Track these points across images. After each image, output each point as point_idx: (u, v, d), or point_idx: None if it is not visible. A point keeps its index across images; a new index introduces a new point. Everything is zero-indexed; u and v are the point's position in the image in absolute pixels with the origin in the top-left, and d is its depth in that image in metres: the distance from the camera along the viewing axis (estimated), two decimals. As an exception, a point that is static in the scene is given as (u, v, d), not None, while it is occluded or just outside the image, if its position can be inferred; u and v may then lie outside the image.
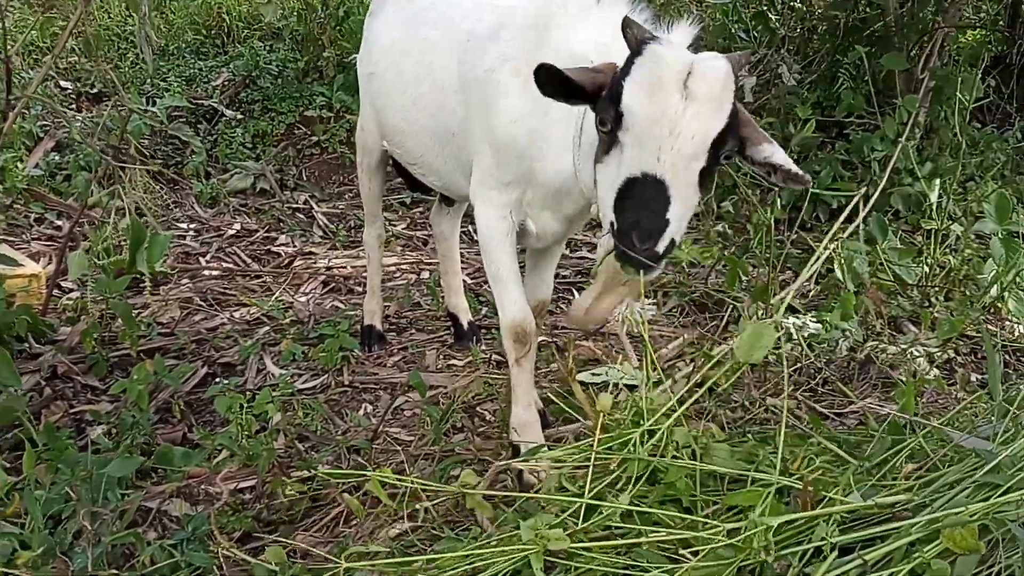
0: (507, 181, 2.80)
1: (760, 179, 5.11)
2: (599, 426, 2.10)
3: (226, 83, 6.46)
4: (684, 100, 2.10)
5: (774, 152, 2.29)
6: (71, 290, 4.20)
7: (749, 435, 2.24)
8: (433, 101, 3.05)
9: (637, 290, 2.36)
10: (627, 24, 2.23)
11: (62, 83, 6.29)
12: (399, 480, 2.18)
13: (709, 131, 2.14)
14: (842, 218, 2.80)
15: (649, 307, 2.51)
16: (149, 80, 6.28)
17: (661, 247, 2.13)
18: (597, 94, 2.26)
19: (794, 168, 2.28)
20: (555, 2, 2.71)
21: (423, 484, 2.16)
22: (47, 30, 4.83)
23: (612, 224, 2.23)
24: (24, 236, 4.84)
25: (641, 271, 2.17)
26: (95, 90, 6.32)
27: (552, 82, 2.23)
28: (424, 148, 3.21)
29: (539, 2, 2.78)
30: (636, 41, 2.20)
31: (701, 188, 2.21)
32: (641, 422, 2.05)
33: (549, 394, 3.35)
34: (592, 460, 2.03)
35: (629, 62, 2.19)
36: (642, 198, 2.13)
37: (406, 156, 3.37)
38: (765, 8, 6.39)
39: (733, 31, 6.45)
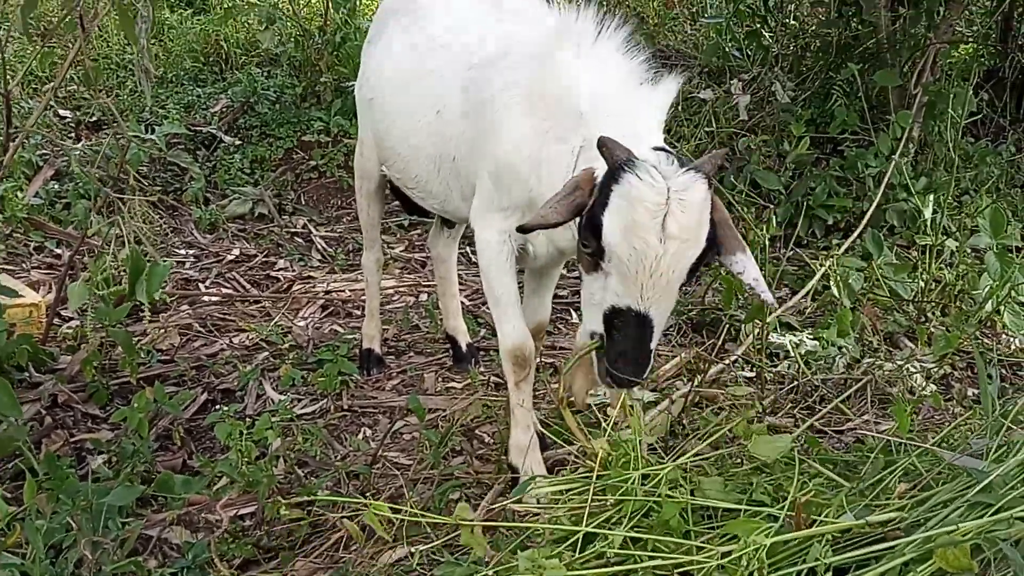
0: (507, 206, 2.83)
1: (754, 197, 5.16)
2: (597, 462, 2.12)
3: (224, 109, 6.50)
4: (662, 243, 2.19)
5: (746, 267, 2.38)
6: (70, 319, 4.22)
7: (743, 460, 2.25)
8: (436, 127, 3.08)
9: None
10: (603, 143, 2.27)
11: (61, 112, 6.33)
12: (395, 509, 2.18)
13: (688, 263, 2.26)
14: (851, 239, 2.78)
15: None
16: (147, 108, 6.32)
17: (643, 372, 2.33)
18: (580, 213, 2.37)
19: (763, 291, 2.39)
20: (559, 38, 2.73)
21: (420, 516, 2.17)
22: (46, 61, 4.87)
23: (596, 337, 2.40)
24: (23, 265, 4.86)
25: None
26: (94, 118, 6.36)
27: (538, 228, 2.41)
28: (425, 172, 3.24)
29: (544, 33, 2.82)
30: (613, 166, 2.25)
31: (682, 288, 2.39)
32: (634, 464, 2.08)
33: (547, 417, 3.37)
34: (590, 497, 2.05)
35: (607, 187, 2.25)
36: (628, 331, 2.29)
37: (406, 180, 3.40)
38: (758, 26, 6.45)
39: (727, 49, 6.51)
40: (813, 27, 6.38)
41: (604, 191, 2.26)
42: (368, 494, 3.03)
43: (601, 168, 2.33)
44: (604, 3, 6.45)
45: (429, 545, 2.47)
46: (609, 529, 1.98)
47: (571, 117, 2.62)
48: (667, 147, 2.39)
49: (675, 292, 2.30)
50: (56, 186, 5.52)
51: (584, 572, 1.88)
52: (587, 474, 2.20)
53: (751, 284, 2.38)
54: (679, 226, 2.18)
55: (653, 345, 2.32)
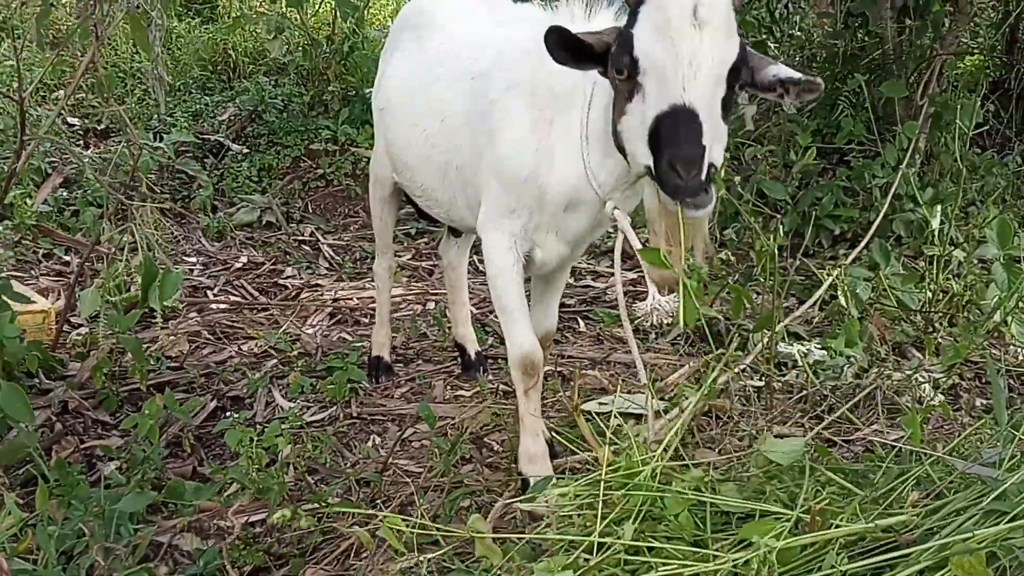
0: (514, 208, 2.85)
1: (761, 207, 5.17)
2: (605, 465, 2.13)
3: (232, 118, 6.53)
4: (698, 31, 2.15)
5: (779, 69, 2.36)
6: (80, 325, 4.23)
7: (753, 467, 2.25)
8: (441, 136, 3.12)
9: (702, 229, 2.40)
10: None
11: (69, 119, 6.36)
12: (407, 521, 2.19)
13: (725, 57, 2.21)
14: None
15: (675, 300, 2.51)
16: (156, 116, 6.35)
17: (703, 174, 2.16)
18: (606, 53, 2.34)
19: (802, 76, 2.34)
20: (553, 23, 2.77)
21: (435, 530, 2.18)
22: (55, 68, 4.90)
23: (649, 168, 2.26)
24: (32, 272, 4.89)
25: (694, 201, 2.18)
26: (102, 126, 6.40)
27: (562, 46, 2.33)
28: (430, 181, 3.27)
29: (539, 29, 2.83)
30: None
31: (724, 119, 2.28)
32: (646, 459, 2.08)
33: (556, 425, 3.37)
34: (600, 497, 2.05)
35: (634, 13, 2.26)
36: (676, 130, 2.16)
37: (413, 188, 3.44)
38: (764, 37, 6.46)
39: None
40: (819, 38, 6.40)
41: (631, 16, 2.26)
42: (379, 502, 3.04)
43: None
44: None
45: (439, 552, 2.48)
46: (619, 529, 1.98)
47: (578, 79, 2.63)
48: None
49: (718, 97, 2.22)
50: (64, 193, 5.54)
51: (597, 580, 1.88)
52: (597, 475, 2.20)
53: (789, 76, 2.35)
54: (709, 10, 2.16)
55: (706, 144, 2.15)
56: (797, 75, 2.35)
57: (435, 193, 3.28)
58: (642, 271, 5.12)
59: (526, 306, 2.99)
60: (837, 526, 1.81)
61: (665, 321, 2.53)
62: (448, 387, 3.92)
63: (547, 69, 2.70)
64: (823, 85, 2.38)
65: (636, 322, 2.90)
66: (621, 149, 2.44)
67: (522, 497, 2.71)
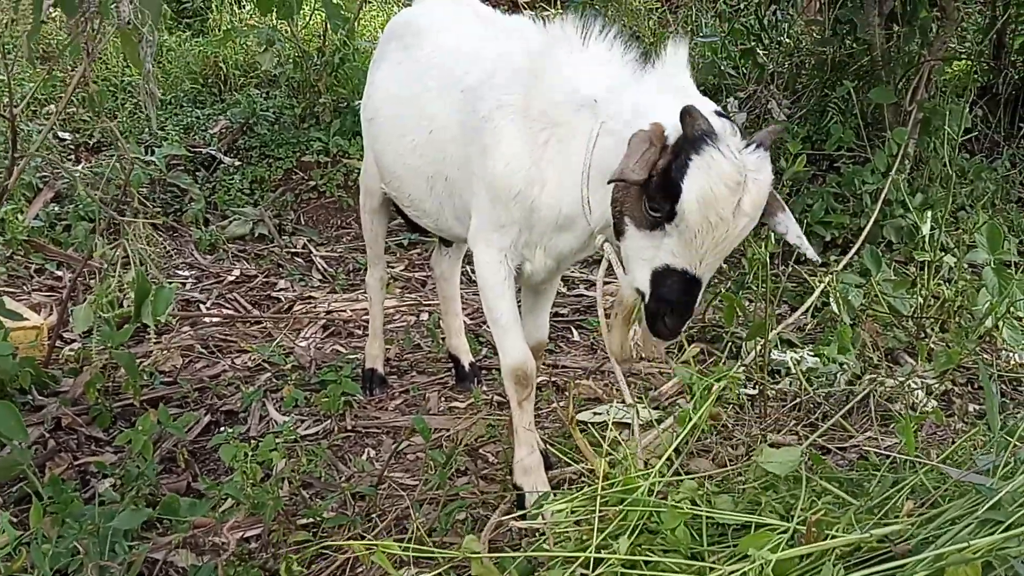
0: (504, 223, 2.86)
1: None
2: (601, 478, 2.13)
3: (224, 131, 6.52)
4: (734, 216, 2.25)
5: (788, 227, 2.49)
6: (73, 341, 4.22)
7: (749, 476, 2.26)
8: (429, 147, 3.13)
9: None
10: (688, 112, 2.26)
11: (61, 134, 6.35)
12: (401, 542, 2.19)
13: (747, 232, 2.33)
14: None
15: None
16: (147, 130, 6.35)
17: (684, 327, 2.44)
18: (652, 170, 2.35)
19: (806, 248, 2.53)
20: (549, 46, 2.80)
21: (428, 552, 2.18)
22: (48, 84, 4.90)
23: (641, 294, 2.45)
24: (24, 287, 4.87)
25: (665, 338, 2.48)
26: (93, 140, 6.39)
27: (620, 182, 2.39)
28: (418, 192, 3.28)
29: (532, 47, 2.86)
30: (694, 135, 2.26)
31: None
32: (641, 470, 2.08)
33: (551, 436, 3.38)
34: (596, 513, 2.06)
35: (686, 156, 2.25)
36: (678, 290, 2.36)
37: (401, 199, 3.44)
38: (754, 45, 6.50)
39: (723, 68, 6.56)
40: (808, 45, 6.44)
41: (682, 155, 2.26)
42: (374, 516, 3.03)
43: (669, 126, 2.33)
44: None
45: (436, 572, 2.48)
46: (615, 543, 1.98)
47: (580, 110, 2.66)
48: (722, 110, 2.41)
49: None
50: (56, 208, 5.53)
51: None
52: (593, 489, 2.21)
53: (795, 242, 2.50)
54: (752, 204, 2.26)
55: (698, 304, 2.42)
56: (804, 244, 2.52)
57: (423, 204, 3.29)
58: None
59: (518, 317, 3.00)
60: (833, 537, 1.81)
61: (651, 357, 2.71)
62: (442, 399, 3.92)
63: (540, 91, 2.74)
64: (818, 262, 2.54)
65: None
66: (618, 231, 2.51)
67: (517, 514, 2.72)
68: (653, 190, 2.32)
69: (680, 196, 2.25)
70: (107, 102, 6.66)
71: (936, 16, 5.72)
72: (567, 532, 2.21)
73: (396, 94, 3.34)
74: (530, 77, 2.78)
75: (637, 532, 2.05)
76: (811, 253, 2.54)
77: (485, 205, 2.90)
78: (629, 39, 2.78)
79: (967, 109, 5.45)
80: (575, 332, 4.59)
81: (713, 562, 1.89)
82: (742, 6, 7.50)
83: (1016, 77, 6.78)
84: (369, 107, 3.55)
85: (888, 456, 2.34)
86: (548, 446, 3.21)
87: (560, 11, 8.03)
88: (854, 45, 5.90)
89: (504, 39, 3.05)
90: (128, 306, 3.49)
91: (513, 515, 2.86)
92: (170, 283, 4.14)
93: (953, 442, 2.90)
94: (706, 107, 2.38)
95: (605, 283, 3.17)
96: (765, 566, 1.75)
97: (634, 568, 1.97)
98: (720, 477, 2.36)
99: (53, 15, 6.37)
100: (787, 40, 6.62)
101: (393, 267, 5.39)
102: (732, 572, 1.78)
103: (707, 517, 2.02)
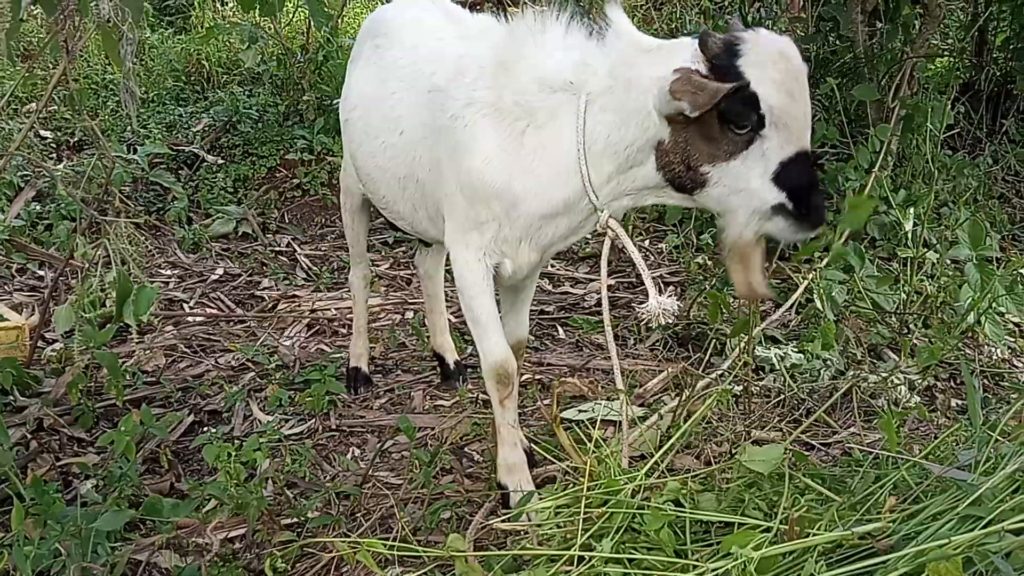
0: (483, 220, 2.84)
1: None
2: (587, 477, 2.13)
3: (207, 129, 6.49)
4: (799, 81, 2.32)
5: None
6: (55, 341, 4.19)
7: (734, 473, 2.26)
8: (399, 148, 3.11)
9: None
10: (703, 37, 2.35)
11: (42, 132, 6.31)
12: (385, 541, 2.19)
13: None
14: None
15: (675, 301, 2.62)
16: (129, 128, 6.31)
17: None
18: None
19: None
20: (514, 39, 2.79)
21: (413, 550, 2.17)
22: (27, 82, 4.85)
23: (782, 206, 2.40)
24: (6, 287, 4.84)
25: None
26: (75, 139, 6.34)
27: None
28: (391, 193, 3.26)
29: (497, 42, 2.86)
30: (724, 46, 2.33)
31: None
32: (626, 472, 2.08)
33: (535, 434, 3.37)
34: (581, 513, 2.06)
35: (731, 67, 2.31)
36: (807, 172, 2.38)
37: (376, 200, 3.44)
38: (737, 42, 6.50)
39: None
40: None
41: (729, 69, 2.31)
42: (359, 515, 3.03)
43: (664, 73, 2.38)
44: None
45: (421, 571, 2.48)
46: (599, 543, 1.98)
47: (555, 93, 2.66)
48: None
49: None
50: (38, 207, 5.49)
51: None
52: (578, 490, 2.22)
53: None
54: (800, 61, 2.32)
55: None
56: None
57: (396, 205, 3.28)
58: (622, 277, 5.14)
59: (497, 315, 2.99)
60: (815, 534, 1.82)
61: (669, 321, 2.64)
62: (428, 397, 3.92)
63: (509, 82, 2.73)
64: None
65: (644, 323, 2.96)
66: (692, 182, 2.50)
67: (501, 518, 2.71)
68: (730, 113, 2.34)
69: (758, 99, 2.29)
70: (89, 100, 6.62)
71: (918, 13, 5.75)
72: (551, 532, 2.21)
73: (368, 94, 3.32)
74: (498, 70, 2.77)
75: (621, 531, 2.05)
76: None
77: (460, 205, 2.87)
78: (581, 16, 2.79)
79: (949, 106, 5.48)
80: (560, 330, 4.59)
81: (696, 560, 1.89)
82: (726, 3, 7.51)
83: (998, 74, 6.82)
84: (345, 107, 3.54)
85: (871, 452, 2.34)
86: (533, 444, 3.21)
87: (541, 8, 8.03)
88: (837, 42, 5.93)
89: (470, 38, 3.04)
90: (110, 306, 3.46)
91: (497, 515, 2.85)
92: (152, 283, 4.13)
93: (936, 437, 2.91)
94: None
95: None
96: (748, 563, 1.75)
97: (618, 564, 1.97)
98: (704, 475, 2.36)
99: (34, 13, 6.31)
100: (771, 37, 6.63)
101: (378, 265, 5.38)
102: (715, 569, 1.78)
103: (691, 516, 2.02)
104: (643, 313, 2.59)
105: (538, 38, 2.75)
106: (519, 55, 2.75)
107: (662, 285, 4.97)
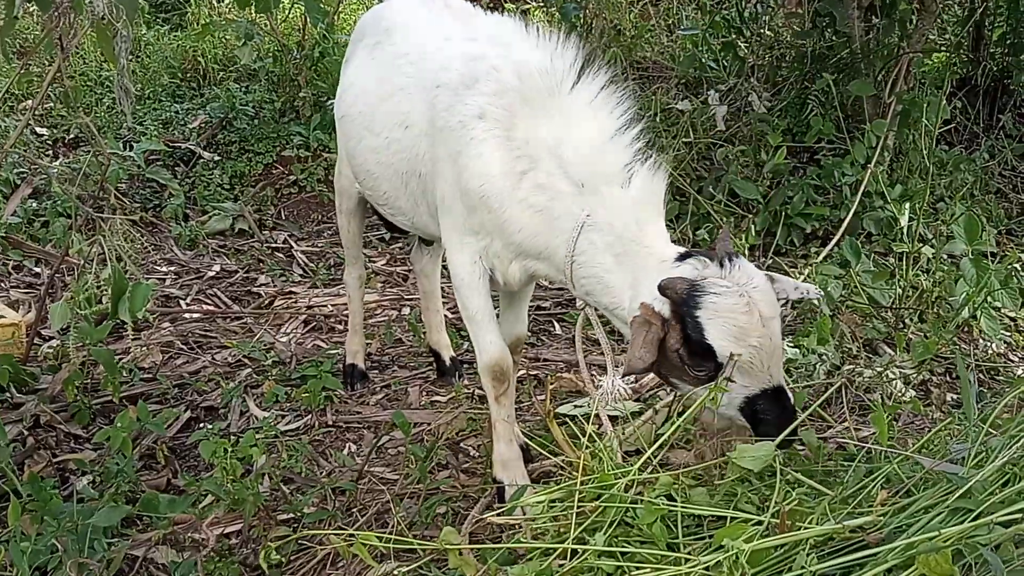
0: (478, 230, 2.84)
1: (733, 207, 5.20)
2: (580, 472, 2.14)
3: (203, 125, 6.48)
4: (766, 327, 2.34)
5: (786, 289, 2.60)
6: (51, 338, 4.19)
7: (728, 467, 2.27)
8: (403, 143, 3.08)
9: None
10: (665, 286, 2.37)
11: (38, 129, 6.30)
12: (381, 536, 2.20)
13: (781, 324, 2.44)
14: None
15: (629, 384, 2.70)
16: (125, 125, 6.30)
17: None
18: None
19: (809, 293, 2.68)
20: (542, 75, 2.69)
21: (407, 543, 2.18)
22: (22, 79, 4.85)
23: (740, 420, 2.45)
24: (3, 284, 4.84)
25: None
26: (71, 136, 6.34)
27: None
28: (392, 188, 3.25)
29: (520, 66, 2.73)
30: (681, 297, 2.36)
31: None
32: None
33: (531, 429, 3.38)
34: (575, 507, 2.07)
35: (691, 317, 2.34)
36: (776, 407, 2.40)
37: (376, 197, 3.41)
38: (734, 38, 6.51)
39: (703, 61, 6.56)
40: (788, 38, 6.45)
41: (687, 319, 2.35)
42: (355, 510, 3.03)
43: (655, 299, 2.42)
44: (582, 16, 6.49)
45: (416, 564, 2.49)
46: (593, 537, 1.99)
47: (563, 178, 2.63)
48: (688, 250, 2.53)
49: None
50: (34, 204, 5.49)
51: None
52: (571, 484, 2.22)
53: (797, 297, 2.63)
54: (769, 306, 2.37)
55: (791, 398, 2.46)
56: (803, 289, 2.64)
57: (398, 201, 3.26)
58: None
59: (493, 313, 2.98)
60: (806, 528, 1.82)
61: (623, 402, 2.71)
62: (424, 393, 3.92)
63: (526, 124, 2.67)
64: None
65: (595, 402, 3.05)
66: (663, 379, 2.58)
67: (495, 512, 2.72)
68: (687, 362, 2.39)
69: (714, 351, 2.32)
70: (85, 97, 6.61)
71: (915, 8, 5.75)
72: (545, 525, 2.21)
73: (370, 91, 3.28)
74: (522, 102, 2.69)
75: (614, 525, 2.05)
76: (813, 293, 2.67)
77: (458, 209, 2.86)
78: (621, 87, 2.70)
79: (946, 101, 5.49)
80: (557, 325, 4.59)
81: (688, 553, 1.90)
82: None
83: (994, 69, 6.83)
84: (341, 105, 3.51)
85: (863, 446, 2.35)
86: (529, 439, 3.21)
87: (541, 4, 8.02)
88: (834, 38, 5.92)
89: (485, 42, 2.93)
90: (106, 303, 3.46)
91: (493, 509, 2.86)
92: (149, 279, 4.12)
93: (931, 432, 2.92)
94: (668, 252, 2.52)
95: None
96: (740, 555, 1.76)
97: (612, 557, 1.97)
98: (698, 469, 2.36)
99: (29, 10, 6.30)
100: (768, 33, 6.64)
101: (374, 262, 5.38)
102: (706, 562, 1.78)
103: (683, 510, 2.03)
104: (598, 394, 2.63)
105: (576, 97, 2.66)
106: (549, 106, 2.67)
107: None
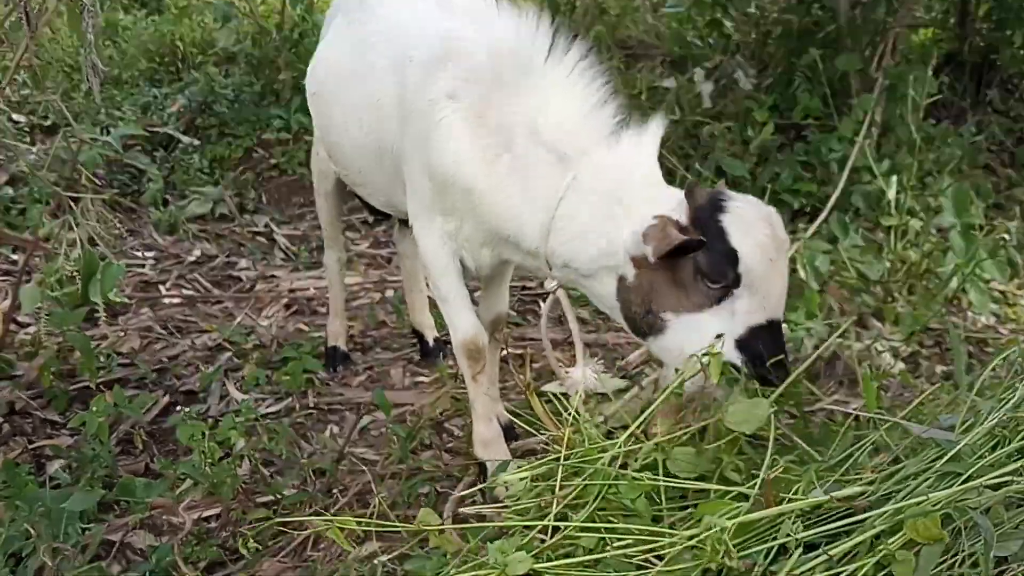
0: (448, 212, 2.77)
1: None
2: (564, 447, 2.09)
3: (182, 109, 6.39)
4: (779, 252, 2.31)
5: None
6: (28, 324, 4.12)
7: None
8: (376, 119, 3.00)
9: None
10: (689, 190, 2.36)
11: (14, 116, 6.20)
12: (359, 518, 2.15)
13: None
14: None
15: (597, 373, 2.65)
16: (103, 110, 6.20)
17: None
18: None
19: None
20: (514, 54, 2.62)
21: (386, 525, 2.13)
22: (-4, 64, 4.75)
23: (741, 364, 2.32)
24: (-20, 272, 4.76)
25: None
26: (48, 122, 6.25)
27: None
28: (367, 165, 3.17)
29: (494, 44, 2.66)
30: (711, 202, 2.32)
31: None
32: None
33: (516, 407, 3.33)
34: (558, 482, 2.02)
35: (715, 222, 2.28)
36: (776, 342, 2.32)
37: (352, 175, 3.34)
38: (719, 15, 6.44)
39: (689, 38, 6.51)
40: (774, 14, 6.39)
41: (710, 224, 2.29)
42: (335, 491, 2.98)
43: (639, 210, 2.39)
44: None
45: (398, 551, 2.45)
46: (576, 511, 1.94)
47: (544, 154, 2.55)
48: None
49: None
50: (11, 191, 5.40)
51: (549, 565, 1.84)
52: (554, 459, 2.17)
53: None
54: (782, 230, 2.34)
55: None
56: None
57: (373, 177, 3.19)
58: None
59: (465, 292, 2.91)
60: (793, 495, 1.78)
61: (594, 390, 2.65)
62: (407, 374, 3.87)
63: (501, 106, 2.58)
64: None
65: (563, 391, 2.96)
66: (649, 327, 2.44)
67: (472, 498, 2.68)
68: (707, 265, 2.30)
69: (738, 256, 2.25)
70: (61, 82, 6.51)
71: (900, -17, 5.69)
72: (526, 504, 2.16)
73: (344, 66, 3.19)
74: (494, 83, 2.60)
75: (597, 499, 2.00)
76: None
77: (426, 189, 2.77)
78: (597, 63, 2.60)
79: (932, 76, 5.44)
80: (542, 305, 4.53)
81: (672, 524, 1.85)
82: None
83: (981, 44, 6.77)
84: (313, 80, 3.42)
85: (852, 414, 2.30)
86: (513, 417, 3.16)
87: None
88: (820, 13, 5.87)
89: (461, 18, 2.84)
90: (79, 286, 3.39)
91: (477, 490, 2.81)
92: (128, 265, 4.04)
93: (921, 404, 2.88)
94: (671, 190, 2.48)
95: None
96: (724, 532, 1.71)
97: (595, 531, 1.93)
98: (684, 435, 2.30)
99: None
100: (753, 9, 6.57)
101: (357, 244, 5.32)
102: (690, 536, 1.74)
103: (668, 476, 1.98)
104: (566, 381, 2.57)
105: (539, 71, 2.58)
106: (523, 85, 2.58)
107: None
